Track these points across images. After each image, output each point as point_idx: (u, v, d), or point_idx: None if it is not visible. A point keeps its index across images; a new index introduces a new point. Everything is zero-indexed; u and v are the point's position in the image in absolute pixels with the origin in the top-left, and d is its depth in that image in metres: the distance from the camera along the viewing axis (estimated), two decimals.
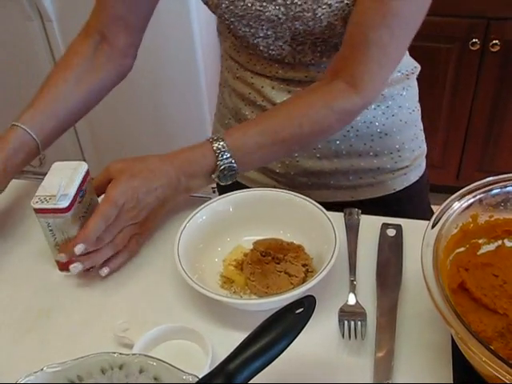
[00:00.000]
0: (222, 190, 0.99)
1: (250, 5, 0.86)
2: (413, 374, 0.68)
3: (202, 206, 0.86)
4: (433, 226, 0.68)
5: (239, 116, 1.04)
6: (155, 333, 0.72)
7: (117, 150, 2.33)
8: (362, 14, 0.79)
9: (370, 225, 0.88)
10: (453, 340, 0.71)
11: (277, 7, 0.85)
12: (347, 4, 0.81)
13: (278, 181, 1.07)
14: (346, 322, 0.73)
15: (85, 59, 0.97)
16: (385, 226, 0.87)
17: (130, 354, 0.60)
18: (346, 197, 1.05)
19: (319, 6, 0.82)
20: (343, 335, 0.72)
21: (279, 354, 0.57)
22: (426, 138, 1.09)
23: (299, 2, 0.83)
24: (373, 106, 0.97)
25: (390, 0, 0.77)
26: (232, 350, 0.56)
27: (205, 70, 2.14)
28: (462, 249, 0.73)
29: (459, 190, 0.72)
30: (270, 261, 0.81)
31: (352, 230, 0.86)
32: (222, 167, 0.82)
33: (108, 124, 2.33)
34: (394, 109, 1.00)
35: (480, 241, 0.75)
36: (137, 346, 0.70)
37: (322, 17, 0.83)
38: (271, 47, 0.92)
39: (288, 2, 0.84)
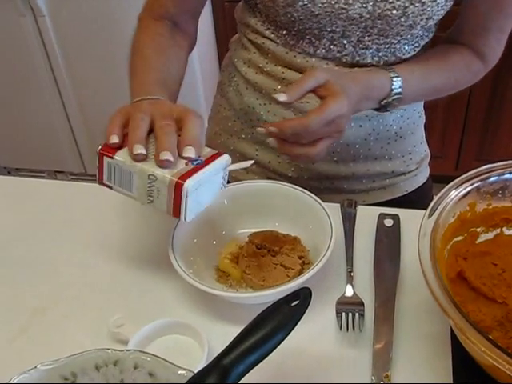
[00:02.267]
0: None
1: (333, 2, 0.83)
2: (412, 366, 0.68)
3: None
4: (429, 216, 0.66)
5: (250, 117, 1.01)
6: (150, 328, 0.71)
7: None
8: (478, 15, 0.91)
9: (367, 215, 0.87)
10: (452, 330, 0.70)
11: (364, 5, 0.83)
12: (438, 4, 0.83)
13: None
14: (343, 314, 0.72)
15: (166, 38, 0.95)
16: (382, 216, 0.86)
17: (124, 350, 0.59)
18: (358, 201, 1.03)
19: (412, 4, 0.82)
20: (341, 327, 0.71)
21: (275, 347, 0.56)
22: (424, 128, 1.10)
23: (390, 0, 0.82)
24: (394, 110, 0.96)
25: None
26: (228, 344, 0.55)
27: (201, 73, 2.14)
28: (459, 238, 0.72)
29: None
30: (265, 253, 0.80)
31: (349, 221, 0.85)
32: (395, 92, 0.85)
33: (104, 124, 2.32)
34: (409, 112, 1.01)
35: (478, 229, 0.74)
36: (132, 341, 0.69)
37: (411, 15, 0.83)
38: (334, 42, 0.89)
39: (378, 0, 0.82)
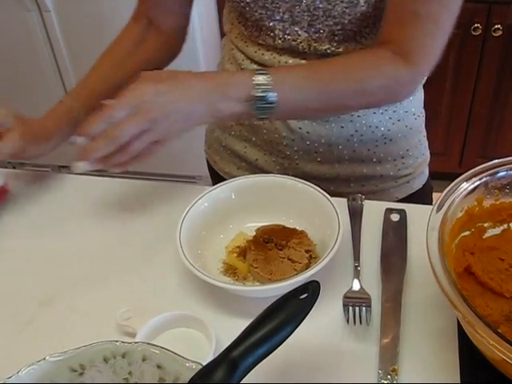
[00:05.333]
0: (216, 180, 0.99)
1: None
2: (419, 360, 0.68)
3: (204, 192, 0.85)
4: (438, 210, 0.66)
5: None
6: (158, 321, 0.71)
7: None
8: None
9: (374, 210, 0.87)
10: (459, 325, 0.70)
11: None
12: None
13: None
14: (350, 308, 0.72)
15: (131, 42, 0.99)
16: (389, 211, 0.86)
17: (132, 342, 0.59)
18: None
19: None
20: (348, 321, 0.71)
21: (284, 341, 0.56)
22: (427, 125, 1.07)
23: None
24: (380, 111, 0.94)
25: None
26: (235, 337, 0.56)
27: (206, 62, 2.13)
28: (467, 232, 0.72)
29: None
30: (272, 247, 0.80)
31: (356, 216, 0.85)
32: (259, 94, 0.76)
33: None
34: (400, 114, 0.97)
35: (485, 224, 0.74)
36: (139, 334, 0.69)
37: None
38: (287, 31, 0.88)
39: None
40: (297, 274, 0.73)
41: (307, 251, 0.79)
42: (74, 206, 0.96)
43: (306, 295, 0.58)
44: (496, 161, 0.71)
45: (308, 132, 0.95)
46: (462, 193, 0.69)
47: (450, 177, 0.70)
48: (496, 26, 2.01)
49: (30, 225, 0.93)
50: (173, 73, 0.79)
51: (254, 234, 0.82)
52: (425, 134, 1.06)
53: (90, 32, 2.14)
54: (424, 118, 1.04)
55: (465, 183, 0.69)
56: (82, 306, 0.78)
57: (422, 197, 1.06)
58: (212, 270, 0.80)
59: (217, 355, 0.55)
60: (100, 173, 0.85)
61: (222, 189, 0.86)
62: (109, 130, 0.74)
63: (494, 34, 2.03)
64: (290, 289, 0.60)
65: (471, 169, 0.71)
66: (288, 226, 0.83)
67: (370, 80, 0.80)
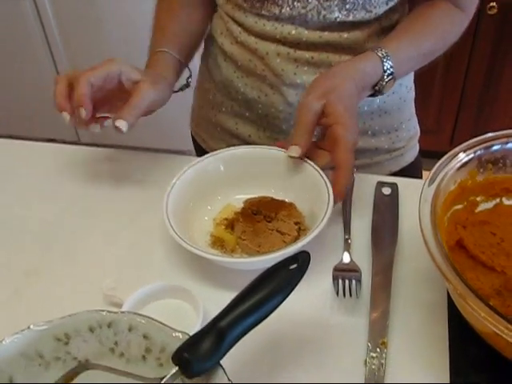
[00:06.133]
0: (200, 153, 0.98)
1: None
2: (408, 333, 0.67)
3: (191, 164, 0.83)
4: (430, 183, 0.65)
5: (229, 89, 0.99)
6: (145, 291, 0.70)
7: None
8: None
9: (365, 183, 0.86)
10: (449, 298, 0.69)
11: None
12: None
13: None
14: (340, 281, 0.71)
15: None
16: (380, 184, 0.85)
17: (118, 311, 0.58)
18: None
19: None
20: (337, 293, 0.70)
21: (272, 311, 0.55)
22: (420, 103, 1.07)
23: None
24: None
25: None
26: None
27: None
28: (459, 206, 0.71)
29: None
30: (261, 219, 0.79)
31: (347, 188, 0.84)
32: (388, 74, 0.82)
33: None
34: (395, 86, 0.95)
35: (478, 198, 0.73)
36: (126, 304, 0.68)
37: None
38: None
39: None
40: (285, 246, 0.72)
41: (296, 223, 0.78)
42: (61, 177, 0.94)
43: (295, 265, 0.57)
44: (490, 134, 0.70)
45: None
46: (455, 165, 0.68)
47: (441, 155, 0.69)
48: (491, 4, 1.99)
49: (15, 195, 0.91)
50: (333, 88, 0.78)
51: (242, 206, 0.81)
52: (414, 108, 1.06)
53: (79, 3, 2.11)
54: (414, 92, 1.05)
55: (458, 156, 0.68)
56: (68, 277, 0.77)
57: (412, 171, 1.07)
58: (199, 242, 0.78)
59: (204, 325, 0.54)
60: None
61: (210, 160, 0.84)
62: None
63: (489, 12, 2.01)
64: (279, 260, 0.59)
65: None
66: (277, 198, 0.82)
67: (450, 35, 0.92)
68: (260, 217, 0.79)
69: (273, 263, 0.59)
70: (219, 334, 0.53)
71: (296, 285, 0.57)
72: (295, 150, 0.78)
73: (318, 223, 0.72)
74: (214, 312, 0.53)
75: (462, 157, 0.69)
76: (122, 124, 0.79)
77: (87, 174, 0.93)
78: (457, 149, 0.69)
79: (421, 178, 1.12)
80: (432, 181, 0.66)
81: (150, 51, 0.95)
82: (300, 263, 0.57)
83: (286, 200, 0.82)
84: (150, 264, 0.78)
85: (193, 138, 1.14)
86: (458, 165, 0.68)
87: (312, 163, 0.81)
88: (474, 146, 0.70)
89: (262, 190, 0.84)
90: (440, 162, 0.67)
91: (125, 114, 0.80)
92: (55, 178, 0.94)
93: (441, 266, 0.58)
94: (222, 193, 0.85)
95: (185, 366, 0.52)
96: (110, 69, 0.82)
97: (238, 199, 0.84)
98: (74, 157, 0.98)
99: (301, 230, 0.78)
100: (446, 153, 0.70)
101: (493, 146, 0.70)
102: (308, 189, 0.80)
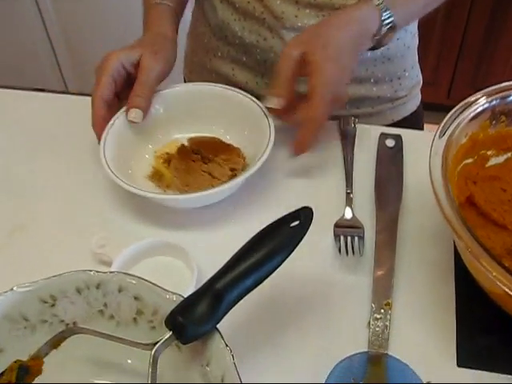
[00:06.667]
0: None
1: None
2: (413, 294, 0.64)
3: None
4: (441, 135, 0.61)
5: (225, 33, 0.93)
6: (135, 249, 0.66)
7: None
8: None
9: (368, 135, 0.82)
10: (456, 256, 0.66)
11: None
12: None
13: None
14: (342, 238, 0.67)
15: None
16: (383, 136, 0.81)
17: (107, 271, 0.55)
18: None
19: None
20: (340, 251, 0.67)
21: (272, 272, 0.52)
22: (418, 54, 1.03)
23: None
24: None
25: None
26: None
27: None
28: (470, 160, 0.67)
29: (450, 108, 0.64)
30: (198, 159, 0.76)
31: (348, 140, 0.80)
32: (386, 23, 0.76)
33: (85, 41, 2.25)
34: (399, 32, 0.90)
35: (489, 152, 0.69)
36: (116, 262, 0.64)
37: None
38: None
39: None
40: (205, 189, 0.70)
41: (232, 169, 0.75)
42: (47, 128, 0.89)
43: (297, 222, 0.54)
44: (506, 83, 0.66)
45: None
46: (467, 116, 0.63)
47: (438, 108, 0.65)
48: None
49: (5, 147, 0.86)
50: (318, 34, 0.73)
51: (186, 143, 0.79)
52: (417, 55, 1.02)
53: None
54: (418, 39, 1.00)
55: (470, 107, 0.64)
56: (55, 233, 0.73)
57: (414, 120, 1.04)
58: (140, 175, 0.77)
59: (199, 287, 0.50)
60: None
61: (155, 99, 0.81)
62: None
63: None
64: (203, 201, 0.64)
65: (460, 100, 0.65)
66: (223, 138, 0.79)
67: None
68: (197, 156, 0.77)
69: (196, 203, 0.63)
70: (216, 297, 0.49)
71: (298, 243, 0.53)
72: (272, 101, 0.73)
73: (249, 170, 0.69)
74: (208, 268, 0.50)
75: (475, 107, 0.64)
76: (134, 116, 0.77)
77: (75, 124, 0.88)
78: (468, 100, 0.64)
79: (422, 128, 1.09)
80: (443, 132, 0.61)
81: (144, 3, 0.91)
82: (302, 220, 0.54)
83: (233, 144, 0.79)
84: (140, 219, 0.74)
85: None
86: (471, 115, 0.63)
87: (257, 101, 0.78)
88: (490, 95, 0.65)
89: (208, 129, 0.82)
90: (450, 113, 0.63)
91: (134, 101, 0.77)
92: (40, 129, 0.89)
93: (452, 222, 0.54)
94: (163, 132, 0.82)
95: (179, 330, 0.48)
96: (112, 70, 0.78)
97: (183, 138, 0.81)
98: (59, 107, 0.93)
99: (235, 177, 0.74)
100: (442, 106, 0.65)
101: (509, 96, 0.65)
102: (253, 129, 0.77)
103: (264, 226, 0.53)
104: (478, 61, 2.25)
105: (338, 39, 0.73)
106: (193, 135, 0.80)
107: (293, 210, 0.55)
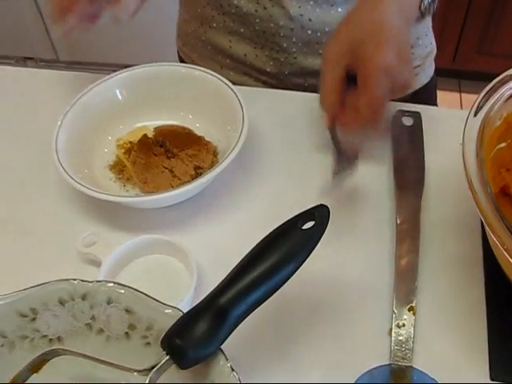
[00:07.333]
0: None
1: None
2: (439, 296, 0.57)
3: (82, 93, 0.71)
4: (475, 114, 0.53)
5: (220, 2, 0.85)
6: (126, 247, 0.59)
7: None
8: None
9: None
10: (484, 252, 0.59)
11: None
12: None
13: (265, 82, 0.91)
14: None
15: None
16: (400, 113, 0.73)
17: (94, 281, 0.48)
18: None
19: None
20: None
21: (284, 283, 0.45)
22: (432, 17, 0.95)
23: None
24: None
25: None
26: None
27: None
28: (503, 144, 0.59)
29: (455, 73, 0.57)
30: (160, 153, 0.69)
31: None
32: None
33: None
34: None
35: None
36: (105, 264, 0.58)
37: None
38: None
39: None
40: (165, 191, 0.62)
41: (197, 168, 0.68)
42: (34, 104, 0.81)
43: (312, 224, 0.46)
44: None
45: (310, 19, 0.81)
46: (502, 95, 0.55)
47: (443, 73, 0.57)
48: None
49: None
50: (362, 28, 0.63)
51: (152, 132, 0.72)
52: (431, 20, 0.95)
53: None
54: None
55: (507, 84, 0.56)
56: (39, 230, 0.66)
57: (428, 93, 0.98)
58: (98, 163, 0.71)
59: (198, 286, 0.44)
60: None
61: (107, 85, 0.73)
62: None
63: None
64: (160, 203, 0.62)
65: (466, 65, 0.57)
66: (196, 130, 0.72)
67: None
68: (161, 150, 0.69)
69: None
70: (219, 314, 0.43)
71: (313, 248, 0.46)
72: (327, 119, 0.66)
73: (214, 170, 0.62)
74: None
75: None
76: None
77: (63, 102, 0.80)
78: (505, 74, 0.56)
79: (435, 99, 1.03)
80: (477, 111, 0.53)
81: None
82: (318, 221, 0.46)
83: (206, 138, 0.71)
84: (133, 215, 0.66)
85: (180, 58, 1.01)
86: (507, 95, 0.56)
87: (227, 81, 0.71)
88: None
89: (175, 116, 0.75)
90: (485, 90, 0.55)
91: None
92: (29, 109, 0.81)
93: (487, 216, 0.47)
94: (124, 121, 0.75)
95: (177, 354, 0.42)
96: None
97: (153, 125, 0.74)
98: (47, 81, 0.85)
99: (197, 178, 0.65)
100: (447, 71, 0.57)
101: None
102: (224, 115, 0.70)
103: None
104: (486, 23, 2.16)
105: (385, 15, 0.63)
106: (159, 123, 0.73)
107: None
